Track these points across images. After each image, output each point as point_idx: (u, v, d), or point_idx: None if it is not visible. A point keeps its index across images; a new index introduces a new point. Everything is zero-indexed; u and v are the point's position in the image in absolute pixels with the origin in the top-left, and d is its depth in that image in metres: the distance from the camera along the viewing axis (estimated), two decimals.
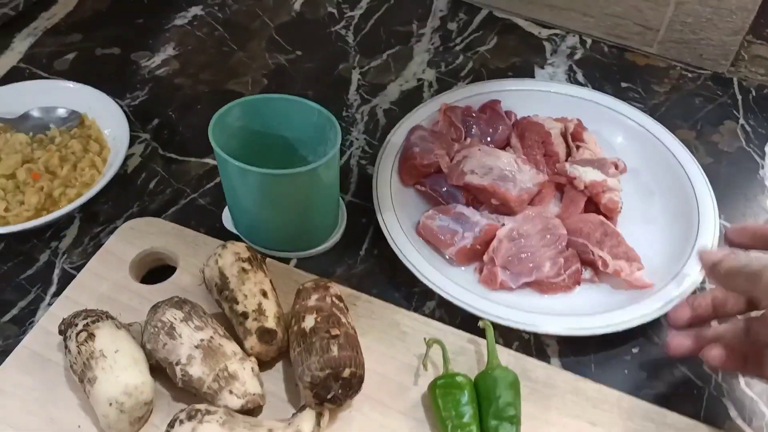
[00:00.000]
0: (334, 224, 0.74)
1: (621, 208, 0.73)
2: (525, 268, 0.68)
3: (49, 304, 0.67)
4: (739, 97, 0.90)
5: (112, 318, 0.58)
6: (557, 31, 1.00)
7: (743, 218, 0.77)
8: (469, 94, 0.84)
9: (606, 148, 0.81)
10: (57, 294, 0.67)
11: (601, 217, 0.71)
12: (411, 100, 0.91)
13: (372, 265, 0.72)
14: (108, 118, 0.80)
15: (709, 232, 0.70)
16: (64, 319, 0.58)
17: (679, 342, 0.58)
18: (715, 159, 0.83)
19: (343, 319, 0.57)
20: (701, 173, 0.76)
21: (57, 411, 0.57)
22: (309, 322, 0.56)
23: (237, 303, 0.59)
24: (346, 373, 0.54)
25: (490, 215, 0.72)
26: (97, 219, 0.75)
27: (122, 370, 0.54)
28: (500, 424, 0.54)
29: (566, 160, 0.78)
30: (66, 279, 0.68)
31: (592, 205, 0.74)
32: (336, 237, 0.73)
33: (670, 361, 0.64)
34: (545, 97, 0.85)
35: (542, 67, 0.95)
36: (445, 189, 0.76)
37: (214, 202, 0.77)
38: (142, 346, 0.57)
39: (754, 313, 0.59)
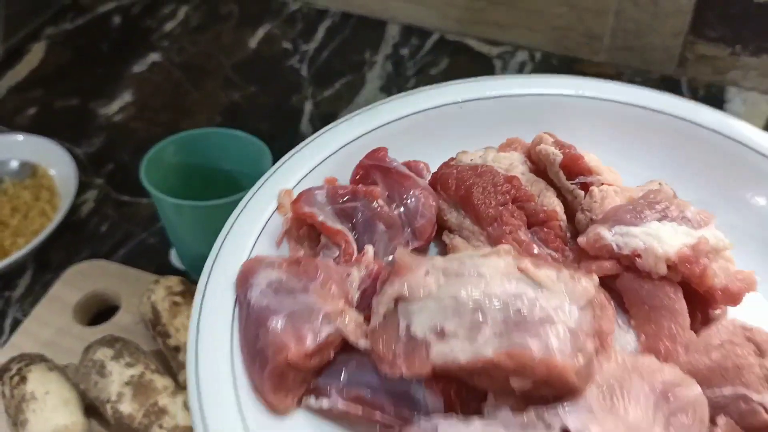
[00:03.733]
0: None
1: (756, 286, 0.38)
2: None
3: None
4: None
5: (46, 360, 0.58)
6: (507, 48, 1.01)
7: None
8: (317, 159, 0.45)
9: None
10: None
11: (739, 321, 0.37)
12: None
13: None
14: (59, 166, 0.81)
15: None
16: (1, 365, 0.59)
17: None
18: None
19: None
20: None
21: None
22: None
23: (169, 337, 0.59)
24: None
25: (520, 418, 0.32)
26: (49, 266, 0.76)
27: (52, 411, 0.54)
28: None
29: (570, 220, 0.43)
30: (17, 327, 0.69)
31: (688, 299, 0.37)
32: None
33: None
34: (452, 119, 0.49)
35: None
36: (380, 388, 0.35)
37: (162, 240, 0.78)
38: (77, 386, 0.58)
39: None
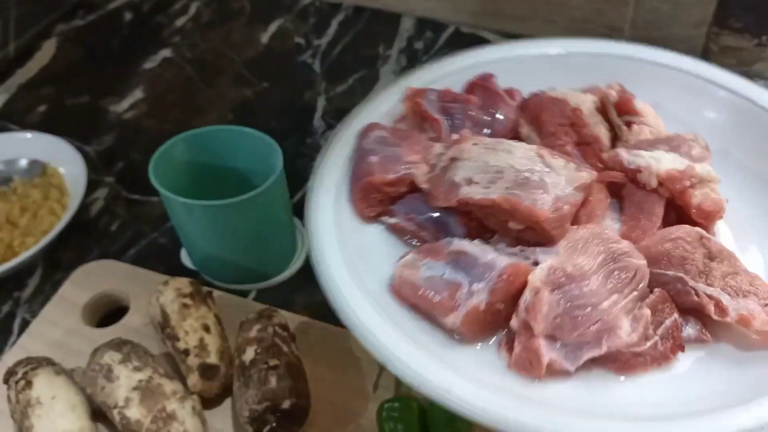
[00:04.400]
0: (292, 252, 0.72)
1: (725, 210, 0.47)
2: (588, 334, 0.41)
3: None
4: None
5: (53, 364, 0.57)
6: None
7: None
8: (445, 71, 0.60)
9: (669, 124, 0.54)
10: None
11: (699, 230, 0.46)
12: None
13: None
14: (69, 164, 0.80)
15: None
16: (7, 369, 0.57)
17: None
18: None
19: (285, 349, 0.55)
20: None
21: None
22: (249, 354, 0.55)
23: (178, 340, 0.57)
24: (286, 404, 0.52)
25: (510, 249, 0.46)
26: (58, 266, 0.75)
27: (58, 417, 0.53)
28: None
29: (613, 147, 0.53)
30: (25, 328, 0.67)
31: (673, 211, 0.48)
32: (296, 265, 0.72)
33: None
34: (559, 62, 0.59)
35: None
36: (428, 217, 0.49)
37: (173, 240, 0.76)
38: (84, 391, 0.56)
39: None
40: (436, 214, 0.49)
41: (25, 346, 0.63)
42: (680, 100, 0.56)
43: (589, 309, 0.41)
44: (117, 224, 0.79)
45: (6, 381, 0.57)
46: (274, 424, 0.51)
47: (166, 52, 1.04)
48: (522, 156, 0.47)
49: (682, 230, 0.46)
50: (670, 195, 0.47)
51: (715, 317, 0.42)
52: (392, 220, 0.51)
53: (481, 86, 0.57)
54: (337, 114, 0.91)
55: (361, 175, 0.51)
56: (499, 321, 0.43)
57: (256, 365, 0.53)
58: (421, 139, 0.53)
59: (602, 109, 0.54)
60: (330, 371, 0.60)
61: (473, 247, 0.45)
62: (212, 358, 0.57)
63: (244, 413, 0.52)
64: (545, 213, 0.43)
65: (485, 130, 0.55)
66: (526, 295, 0.42)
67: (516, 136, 0.55)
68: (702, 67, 0.58)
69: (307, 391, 0.54)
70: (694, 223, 0.47)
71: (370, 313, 0.43)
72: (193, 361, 0.56)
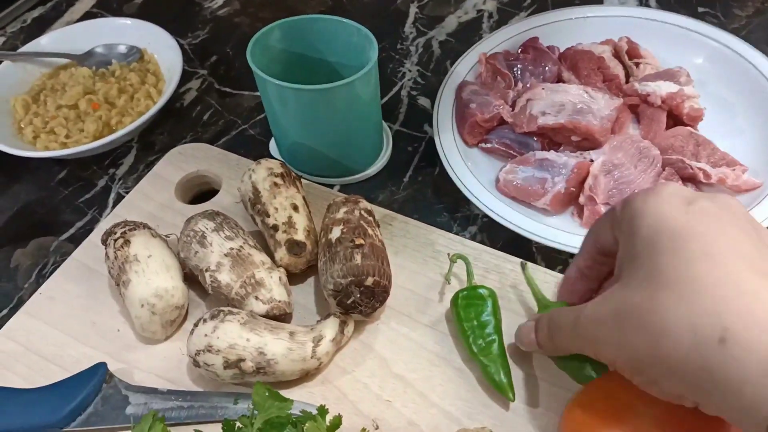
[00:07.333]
0: (377, 150, 0.73)
1: (703, 115, 0.70)
2: None
3: None
4: None
5: (150, 228, 0.60)
6: None
7: None
8: (503, 39, 0.80)
9: (664, 64, 0.76)
10: None
11: (689, 128, 0.68)
12: (469, 31, 0.88)
13: (415, 191, 0.71)
14: (166, 52, 0.82)
15: None
16: (106, 230, 0.60)
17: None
18: None
19: (370, 231, 0.56)
20: None
21: (99, 316, 0.59)
22: (335, 233, 0.56)
23: (268, 216, 0.59)
24: (369, 281, 0.53)
25: (574, 154, 0.67)
26: (152, 148, 0.78)
27: (154, 274, 0.55)
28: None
29: (627, 82, 0.74)
30: (120, 202, 0.70)
31: (671, 119, 0.70)
32: (380, 164, 0.73)
33: None
34: (581, 24, 0.80)
35: None
36: (513, 139, 0.70)
37: (262, 132, 0.78)
38: (177, 255, 0.59)
39: None
40: (519, 138, 0.71)
41: (120, 215, 0.66)
42: (668, 46, 0.78)
43: (627, 184, 0.64)
44: (209, 114, 0.81)
45: (104, 241, 0.60)
46: (358, 296, 0.53)
47: None
48: (575, 93, 0.70)
49: (679, 130, 0.68)
50: (669, 108, 0.70)
51: (704, 181, 0.65)
52: (488, 146, 0.72)
53: (531, 47, 0.78)
54: (429, 21, 0.90)
55: (467, 117, 0.71)
56: (572, 199, 0.66)
57: (342, 243, 0.54)
58: (500, 89, 0.75)
59: (617, 55, 0.75)
60: (410, 261, 0.61)
61: (551, 155, 0.67)
62: (299, 236, 0.58)
63: (328, 286, 0.53)
64: (597, 128, 0.67)
65: (540, 78, 0.75)
66: (589, 180, 0.64)
67: (560, 79, 0.75)
68: (683, 20, 0.79)
69: (388, 273, 0.55)
70: (685, 125, 0.69)
71: (488, 195, 0.66)
72: (281, 236, 0.58)
